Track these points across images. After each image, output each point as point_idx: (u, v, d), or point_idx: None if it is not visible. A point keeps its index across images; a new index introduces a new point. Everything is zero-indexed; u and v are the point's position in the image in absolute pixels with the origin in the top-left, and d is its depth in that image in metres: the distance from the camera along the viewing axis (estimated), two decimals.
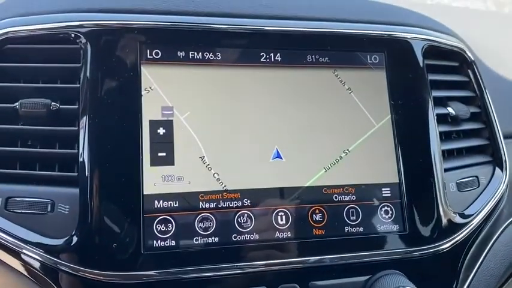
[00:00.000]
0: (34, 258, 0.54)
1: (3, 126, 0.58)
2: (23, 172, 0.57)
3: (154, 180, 0.57)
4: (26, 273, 0.54)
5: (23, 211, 0.55)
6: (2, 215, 0.55)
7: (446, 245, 0.65)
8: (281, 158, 0.62)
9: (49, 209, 0.55)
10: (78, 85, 0.59)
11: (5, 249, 0.54)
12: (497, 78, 0.86)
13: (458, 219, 0.67)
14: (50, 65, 0.60)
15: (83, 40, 0.59)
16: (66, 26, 0.60)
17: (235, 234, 0.58)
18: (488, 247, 0.70)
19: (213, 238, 0.57)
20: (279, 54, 0.64)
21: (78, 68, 0.59)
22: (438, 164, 0.67)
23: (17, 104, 0.58)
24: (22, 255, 0.54)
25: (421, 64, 0.70)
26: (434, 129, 0.68)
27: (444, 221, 0.65)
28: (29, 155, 0.58)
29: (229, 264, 0.57)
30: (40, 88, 0.60)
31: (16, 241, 0.54)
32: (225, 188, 0.59)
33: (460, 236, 0.66)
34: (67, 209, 0.55)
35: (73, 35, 0.60)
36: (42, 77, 0.60)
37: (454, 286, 0.66)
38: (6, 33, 0.60)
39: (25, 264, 0.54)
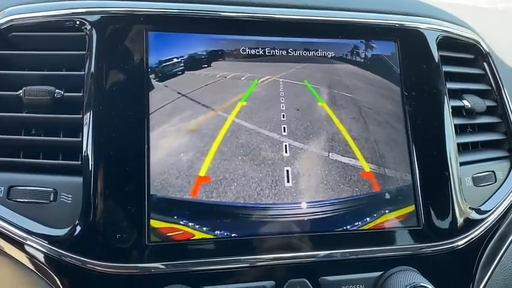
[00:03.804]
0: (37, 249, 0.52)
1: (7, 114, 0.57)
2: (26, 161, 0.56)
3: None
4: (28, 265, 0.53)
5: (25, 200, 0.54)
6: (4, 204, 0.53)
7: (461, 241, 0.63)
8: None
9: (52, 198, 0.54)
10: (83, 73, 0.57)
11: (7, 240, 0.53)
12: None
13: (474, 215, 0.64)
14: (54, 53, 0.59)
15: (89, 27, 0.58)
16: (71, 13, 0.59)
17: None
18: (506, 245, 0.67)
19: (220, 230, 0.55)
20: (287, 46, 0.63)
21: (84, 56, 0.58)
22: (453, 157, 0.65)
23: (21, 91, 0.57)
24: (25, 246, 0.53)
25: (435, 55, 0.68)
26: (449, 122, 0.66)
27: (460, 216, 0.63)
28: (32, 143, 0.57)
29: (236, 257, 0.55)
30: (44, 76, 0.59)
31: (18, 231, 0.53)
32: None
33: (476, 232, 0.64)
34: (70, 198, 0.54)
35: (78, 22, 0.59)
36: (47, 65, 0.60)
37: (470, 284, 0.63)
38: (11, 20, 0.59)
39: (27, 255, 0.53)
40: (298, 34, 0.64)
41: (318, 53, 0.63)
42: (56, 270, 0.52)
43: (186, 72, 0.59)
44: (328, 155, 0.60)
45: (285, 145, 0.59)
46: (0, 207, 0.53)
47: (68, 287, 0.52)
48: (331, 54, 0.64)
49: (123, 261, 0.52)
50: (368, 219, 0.59)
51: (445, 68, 0.70)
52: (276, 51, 0.62)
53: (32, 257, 0.53)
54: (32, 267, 0.53)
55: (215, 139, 0.58)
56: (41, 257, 0.52)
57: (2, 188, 0.54)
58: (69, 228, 0.53)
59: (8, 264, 0.53)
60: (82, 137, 0.55)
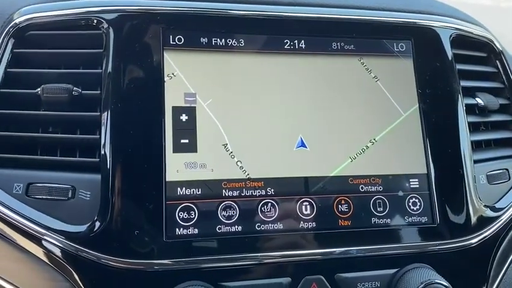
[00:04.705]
0: (55, 245, 0.53)
1: (25, 112, 0.57)
2: (44, 158, 0.56)
3: (177, 167, 0.56)
4: (46, 260, 0.53)
5: (43, 197, 0.54)
6: (23, 201, 0.54)
7: (476, 238, 0.63)
8: (305, 147, 0.60)
9: (70, 195, 0.54)
10: (100, 71, 0.58)
11: (26, 236, 0.53)
12: None
13: (489, 213, 0.64)
14: (72, 51, 0.60)
15: (105, 25, 0.59)
16: (88, 12, 0.59)
17: (258, 223, 0.56)
18: None
19: (236, 227, 0.55)
20: (303, 41, 0.63)
21: (101, 54, 0.59)
22: (467, 155, 0.65)
23: (39, 89, 0.57)
24: (43, 242, 0.53)
25: (449, 53, 0.68)
26: (463, 119, 0.66)
27: (474, 214, 0.63)
28: (50, 141, 0.57)
29: (252, 254, 0.55)
30: (62, 74, 0.59)
31: (37, 227, 0.53)
32: (248, 176, 0.57)
33: (491, 229, 0.64)
34: (88, 196, 0.54)
35: (95, 21, 0.59)
36: (64, 63, 0.60)
37: (484, 282, 0.63)
38: (29, 19, 0.59)
39: (46, 251, 0.53)
40: (312, 32, 0.64)
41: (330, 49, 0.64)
42: (73, 265, 0.53)
43: None
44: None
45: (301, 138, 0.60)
46: (19, 204, 0.54)
47: (86, 283, 0.53)
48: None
49: (140, 257, 0.53)
50: (383, 216, 0.60)
51: (458, 66, 0.70)
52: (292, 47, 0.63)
53: (49, 252, 0.53)
54: (49, 262, 0.53)
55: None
56: (58, 252, 0.53)
57: (21, 185, 0.54)
58: (88, 224, 0.53)
59: (26, 260, 0.54)
60: (100, 135, 0.55)
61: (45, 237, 0.53)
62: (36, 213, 0.54)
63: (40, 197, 0.54)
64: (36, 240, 0.53)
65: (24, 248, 0.53)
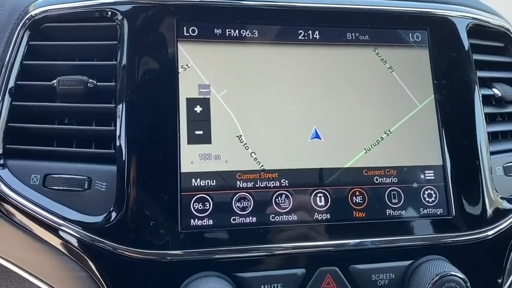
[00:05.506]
0: (72, 235, 0.53)
1: (41, 104, 0.58)
2: (61, 149, 0.57)
3: (192, 159, 0.56)
4: (64, 250, 0.54)
5: (60, 188, 0.55)
6: (40, 191, 0.54)
7: (492, 231, 0.62)
8: (320, 138, 0.60)
9: (86, 186, 0.55)
10: (115, 62, 0.58)
11: (44, 226, 0.54)
12: None
13: (505, 205, 0.64)
14: (87, 43, 0.60)
15: (120, 17, 0.59)
16: (102, 4, 0.60)
17: (273, 215, 0.56)
18: None
19: (250, 218, 0.56)
20: (317, 32, 0.63)
21: (115, 46, 0.59)
22: (484, 146, 0.64)
23: (54, 81, 0.58)
24: (60, 232, 0.53)
25: (466, 43, 0.67)
26: (479, 111, 0.65)
27: (490, 206, 0.63)
28: (66, 132, 0.58)
29: (266, 245, 0.55)
30: (77, 66, 0.59)
31: (54, 218, 0.54)
32: (262, 167, 0.57)
33: (507, 222, 0.63)
34: (104, 186, 0.55)
35: (110, 13, 0.59)
36: (79, 55, 0.60)
37: (500, 275, 0.63)
38: (44, 11, 0.60)
39: (63, 241, 0.54)
40: (327, 23, 0.63)
41: (345, 39, 0.63)
42: (89, 255, 0.53)
43: None
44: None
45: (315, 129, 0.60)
46: (37, 195, 0.54)
47: (103, 273, 0.53)
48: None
49: (156, 247, 0.53)
50: (397, 208, 0.59)
51: (475, 56, 0.69)
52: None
53: (66, 242, 0.54)
54: (66, 252, 0.54)
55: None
56: (74, 242, 0.53)
57: (38, 176, 0.55)
58: (104, 215, 0.54)
59: (44, 250, 0.54)
60: (115, 126, 0.56)
61: (62, 228, 0.53)
62: (53, 204, 0.54)
63: (57, 187, 0.55)
64: (54, 230, 0.54)
65: (41, 238, 0.54)
